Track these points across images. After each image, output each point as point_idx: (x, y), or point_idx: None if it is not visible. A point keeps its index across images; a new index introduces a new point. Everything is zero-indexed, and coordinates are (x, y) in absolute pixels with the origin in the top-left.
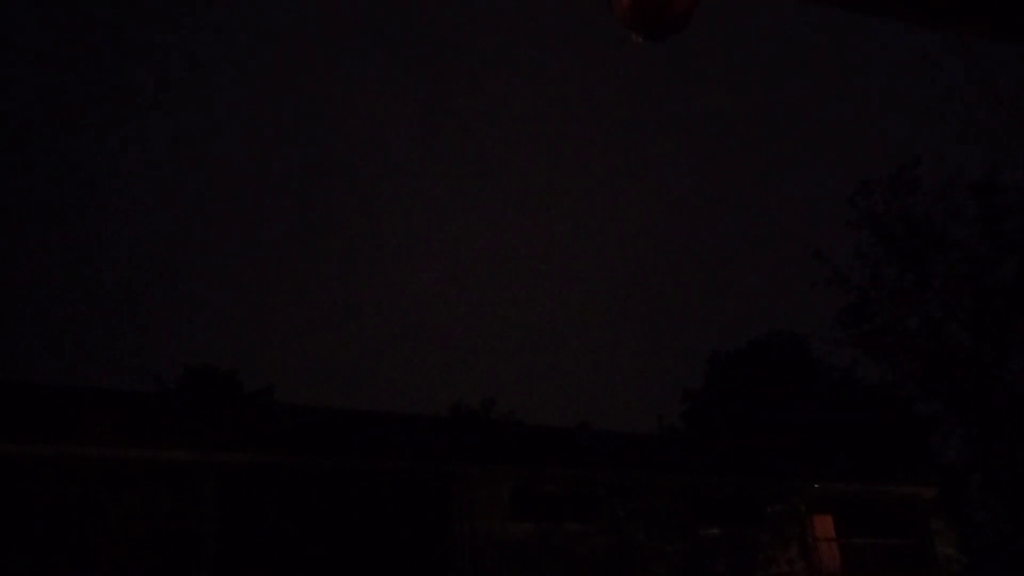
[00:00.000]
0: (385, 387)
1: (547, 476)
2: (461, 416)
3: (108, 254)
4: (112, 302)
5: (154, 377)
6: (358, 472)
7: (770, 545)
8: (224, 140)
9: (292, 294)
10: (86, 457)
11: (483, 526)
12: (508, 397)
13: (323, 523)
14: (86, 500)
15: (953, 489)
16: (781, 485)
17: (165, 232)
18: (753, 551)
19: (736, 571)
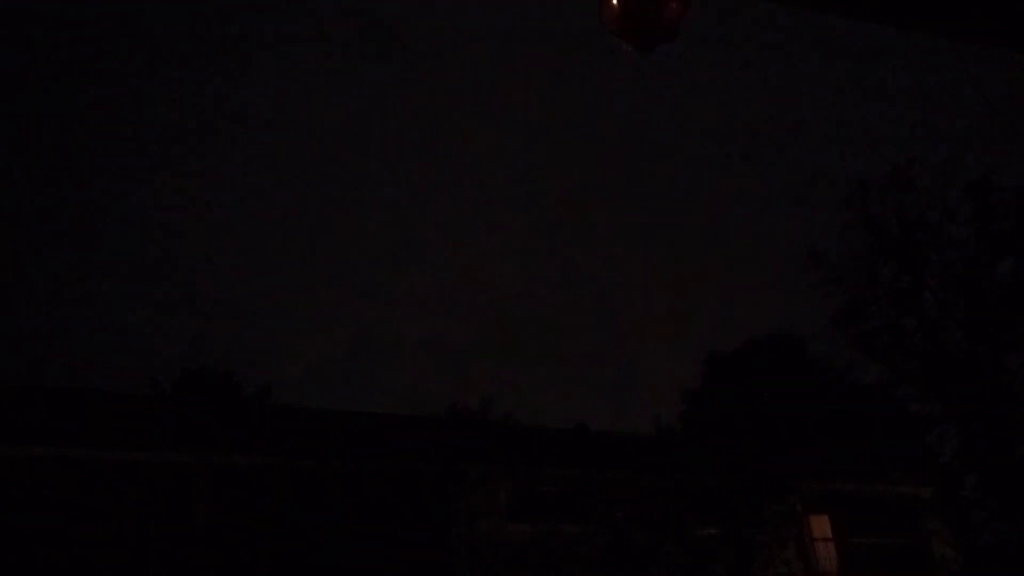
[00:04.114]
0: (383, 388)
1: (545, 477)
2: (459, 417)
3: (104, 255)
4: (109, 304)
5: (151, 379)
6: (356, 473)
7: (767, 545)
8: (220, 143)
9: (289, 296)
10: (83, 459)
11: (481, 527)
12: (506, 398)
13: (321, 524)
14: (83, 502)
15: (950, 488)
16: (778, 485)
17: (162, 233)
18: (750, 551)
19: (733, 571)
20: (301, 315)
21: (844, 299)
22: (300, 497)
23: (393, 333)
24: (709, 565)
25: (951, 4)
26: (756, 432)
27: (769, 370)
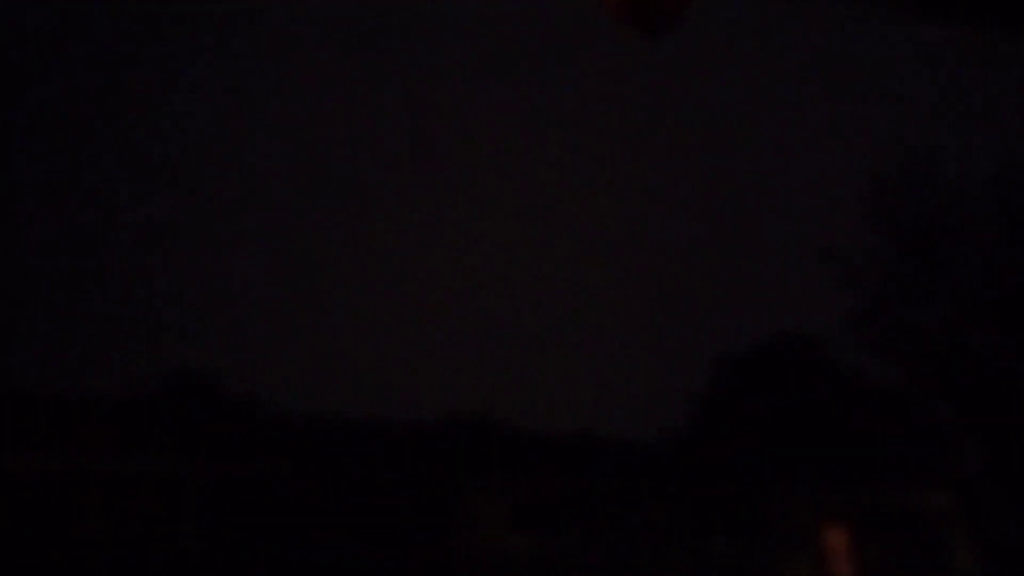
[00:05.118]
0: (378, 393)
1: (547, 485)
2: (458, 423)
3: (86, 253)
4: (90, 304)
5: (133, 382)
6: (350, 482)
7: (780, 556)
8: (212, 143)
9: (279, 296)
10: (63, 467)
11: (481, 537)
12: (506, 403)
13: (313, 535)
14: (63, 510)
15: (970, 497)
16: (791, 493)
17: (148, 232)
18: (762, 562)
19: None
20: (292, 317)
21: (860, 299)
22: (293, 507)
23: (389, 336)
24: None
25: None
26: (768, 438)
27: (781, 373)
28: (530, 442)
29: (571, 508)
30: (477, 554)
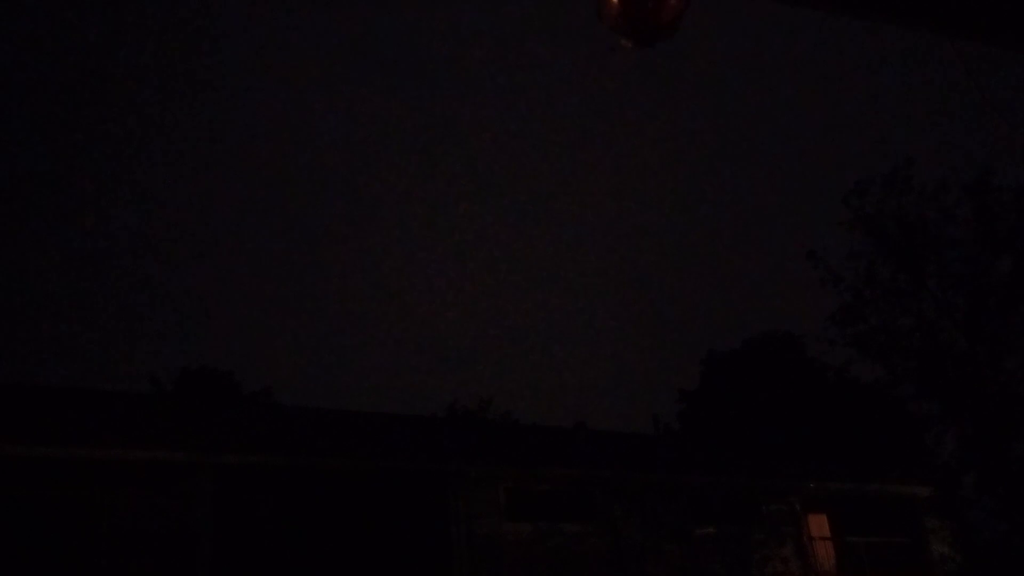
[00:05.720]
0: (382, 388)
1: (543, 476)
2: (457, 416)
3: (106, 255)
4: (110, 303)
5: (151, 378)
6: (355, 473)
7: (765, 544)
8: (222, 145)
9: (290, 296)
10: (82, 458)
11: (480, 526)
12: (504, 397)
13: (320, 524)
14: (82, 501)
15: (948, 487)
16: (776, 484)
17: (164, 233)
18: (748, 550)
19: (732, 570)
20: (302, 316)
21: (842, 299)
22: (298, 496)
23: (392, 333)
24: (707, 564)
25: (951, 3)
26: (754, 431)
27: (767, 369)
28: (527, 434)
29: (566, 498)
30: (475, 542)
